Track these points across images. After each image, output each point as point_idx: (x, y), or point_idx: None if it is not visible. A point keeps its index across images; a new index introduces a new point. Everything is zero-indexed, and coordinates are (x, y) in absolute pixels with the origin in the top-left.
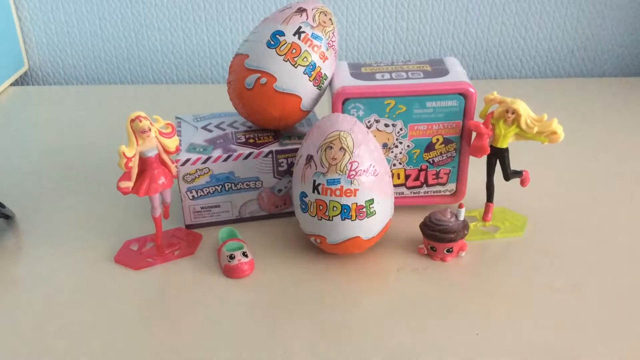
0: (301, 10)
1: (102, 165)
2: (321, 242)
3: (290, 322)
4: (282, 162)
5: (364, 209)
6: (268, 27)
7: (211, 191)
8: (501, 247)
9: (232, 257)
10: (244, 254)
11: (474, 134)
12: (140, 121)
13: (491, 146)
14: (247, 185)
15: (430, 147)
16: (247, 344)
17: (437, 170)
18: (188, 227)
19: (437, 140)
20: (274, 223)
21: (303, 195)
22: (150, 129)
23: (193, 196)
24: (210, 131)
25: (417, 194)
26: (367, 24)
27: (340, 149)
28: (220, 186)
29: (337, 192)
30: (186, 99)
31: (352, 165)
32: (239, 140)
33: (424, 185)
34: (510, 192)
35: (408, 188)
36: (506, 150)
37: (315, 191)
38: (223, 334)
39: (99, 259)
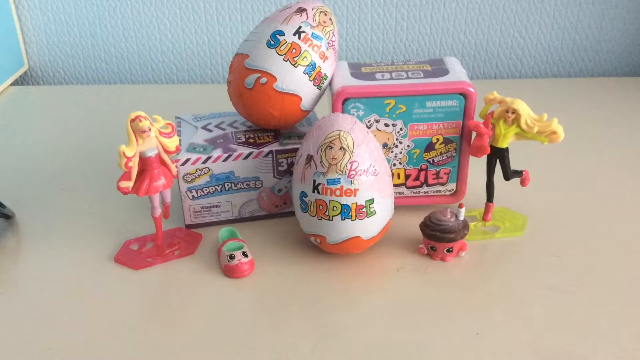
0: (301, 10)
1: (102, 165)
2: (321, 242)
3: (290, 322)
4: (282, 162)
5: (364, 209)
6: (268, 27)
7: (211, 191)
8: (501, 247)
9: (232, 257)
10: (244, 254)
11: (474, 134)
12: (140, 121)
13: (491, 146)
14: (247, 185)
15: (430, 147)
16: (247, 343)
17: (437, 170)
18: (188, 227)
19: (437, 140)
20: (274, 223)
21: (303, 195)
22: (150, 129)
23: (193, 196)
24: (210, 131)
25: (417, 194)
26: (367, 24)
27: (340, 148)
28: (220, 186)
29: (337, 192)
30: (186, 99)
31: (352, 165)
32: (239, 140)
33: (424, 185)
34: (510, 192)
35: (408, 188)
36: (506, 150)
37: (315, 191)
38: (223, 334)
39: (99, 259)
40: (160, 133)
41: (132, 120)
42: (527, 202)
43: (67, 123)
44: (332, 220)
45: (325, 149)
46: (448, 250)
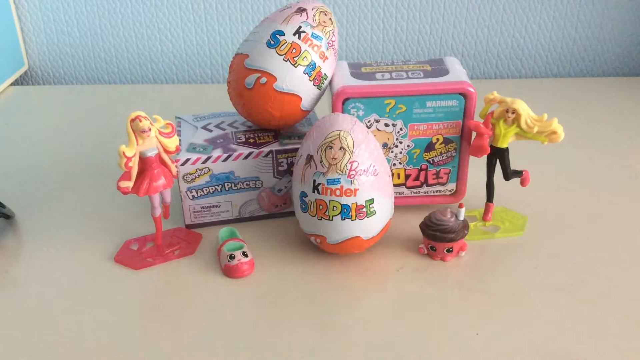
0: (301, 10)
1: (102, 165)
2: (321, 242)
3: (290, 322)
4: (282, 162)
5: (364, 209)
6: (268, 27)
7: (211, 191)
8: (501, 247)
9: (232, 257)
10: (244, 254)
11: (474, 134)
12: (140, 121)
13: (491, 146)
14: (247, 185)
15: (430, 146)
16: (247, 343)
17: (437, 170)
18: (188, 227)
19: (437, 140)
20: (274, 223)
21: (303, 195)
22: (150, 129)
23: (193, 196)
24: (210, 131)
25: (417, 194)
26: (367, 24)
27: (340, 148)
28: (220, 186)
29: (337, 192)
30: (186, 99)
31: (352, 165)
32: (239, 140)
33: (424, 185)
34: (510, 192)
35: (408, 188)
36: (506, 150)
37: (315, 191)
38: (223, 334)
39: (99, 259)
40: (160, 133)
41: (132, 120)
42: (527, 202)
43: (67, 123)
44: (332, 220)
45: (325, 149)
46: (448, 250)
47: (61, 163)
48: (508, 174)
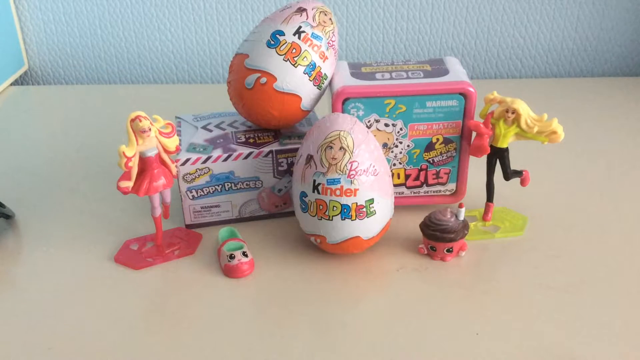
0: (301, 10)
1: (102, 165)
2: (321, 242)
3: (290, 322)
4: (282, 162)
5: (364, 209)
6: (268, 27)
7: (211, 191)
8: (501, 247)
9: (232, 257)
10: (244, 254)
11: (474, 134)
12: (140, 121)
13: (491, 146)
14: (247, 185)
15: (430, 146)
16: (246, 343)
17: (437, 170)
18: (188, 227)
19: (437, 140)
20: (274, 223)
21: (303, 195)
22: (150, 129)
23: (193, 196)
24: (210, 131)
25: (417, 194)
26: (367, 24)
27: (340, 148)
28: (220, 186)
29: (337, 192)
30: (186, 99)
31: (352, 165)
32: (239, 140)
33: (424, 185)
34: (510, 192)
35: (408, 188)
36: (506, 150)
37: (315, 191)
38: (223, 334)
39: (99, 259)
40: (160, 133)
41: (132, 120)
42: (527, 202)
43: (67, 123)
44: (332, 220)
45: (325, 149)
46: (448, 250)
47: (61, 163)
48: (508, 174)
